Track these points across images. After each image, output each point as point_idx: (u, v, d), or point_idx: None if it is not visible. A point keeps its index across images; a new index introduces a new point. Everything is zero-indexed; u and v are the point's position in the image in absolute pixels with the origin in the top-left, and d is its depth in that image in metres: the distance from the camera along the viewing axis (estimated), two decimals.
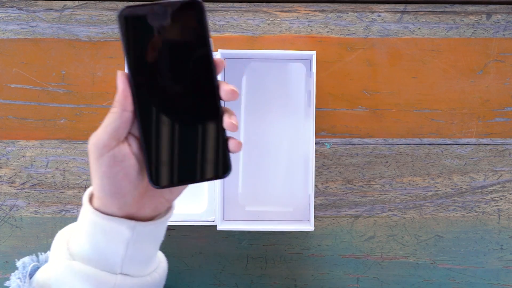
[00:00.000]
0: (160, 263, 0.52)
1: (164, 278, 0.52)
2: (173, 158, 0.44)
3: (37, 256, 0.53)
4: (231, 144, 0.44)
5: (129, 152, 0.43)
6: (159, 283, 0.51)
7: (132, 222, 0.45)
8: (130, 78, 0.42)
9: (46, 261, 0.53)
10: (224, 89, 0.43)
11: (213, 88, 0.43)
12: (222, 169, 0.44)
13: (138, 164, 0.44)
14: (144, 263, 0.48)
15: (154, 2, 0.42)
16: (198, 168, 0.44)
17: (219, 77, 0.44)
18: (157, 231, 0.48)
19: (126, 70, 0.42)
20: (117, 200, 0.44)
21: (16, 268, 0.50)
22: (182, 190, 0.48)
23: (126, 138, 0.43)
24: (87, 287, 0.45)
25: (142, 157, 0.44)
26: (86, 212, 0.46)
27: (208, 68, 0.43)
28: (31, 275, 0.50)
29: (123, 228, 0.45)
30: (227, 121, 0.43)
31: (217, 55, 0.58)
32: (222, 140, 0.44)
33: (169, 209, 0.49)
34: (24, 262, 0.51)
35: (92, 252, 0.46)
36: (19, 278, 0.49)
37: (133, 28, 0.42)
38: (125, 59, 0.42)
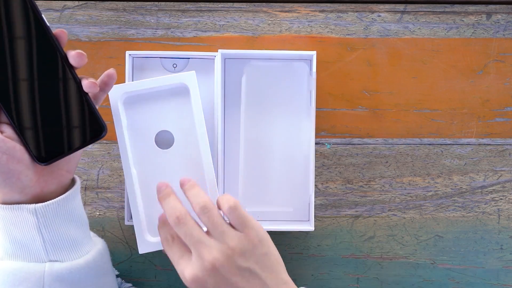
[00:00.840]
0: (95, 245, 0.52)
1: (102, 260, 0.51)
2: (47, 133, 0.46)
3: None
4: (85, 85, 0.45)
5: (2, 138, 0.44)
6: (94, 265, 0.50)
7: (32, 206, 0.46)
8: None
9: None
10: (71, 55, 0.45)
11: (63, 59, 0.45)
12: (97, 129, 0.46)
13: (20, 146, 0.45)
14: (70, 246, 0.48)
15: None
16: (75, 135, 0.46)
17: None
18: (66, 209, 0.48)
19: None
20: (14, 185, 0.45)
21: None
22: (77, 159, 0.49)
23: None
24: (17, 282, 0.46)
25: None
26: None
27: (52, 43, 0.45)
28: None
29: (25, 214, 0.46)
30: (85, 83, 0.45)
31: (217, 55, 0.58)
32: (88, 104, 0.46)
33: (73, 182, 0.50)
34: None
35: (13, 247, 0.47)
36: None
37: None
38: None
